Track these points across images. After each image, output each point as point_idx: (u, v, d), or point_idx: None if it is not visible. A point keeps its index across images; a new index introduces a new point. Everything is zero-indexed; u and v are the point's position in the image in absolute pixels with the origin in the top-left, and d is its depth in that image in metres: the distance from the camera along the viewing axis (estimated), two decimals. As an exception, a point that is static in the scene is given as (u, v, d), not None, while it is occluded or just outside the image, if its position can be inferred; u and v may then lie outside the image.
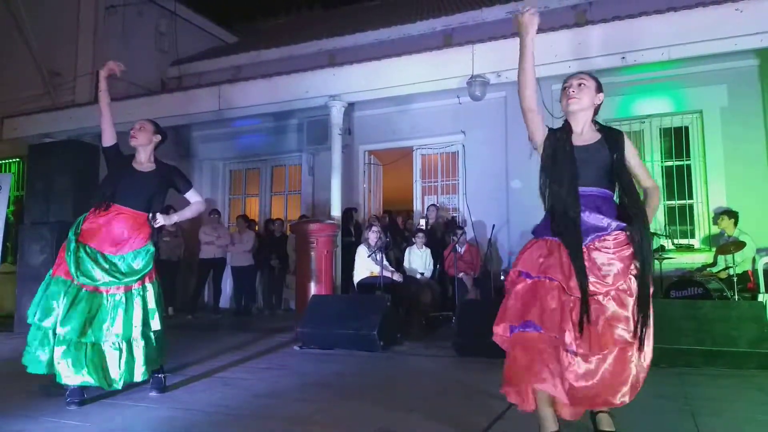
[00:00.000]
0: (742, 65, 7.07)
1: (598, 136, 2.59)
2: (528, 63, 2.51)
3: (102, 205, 3.57)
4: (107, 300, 3.44)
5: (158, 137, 3.82)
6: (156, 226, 3.67)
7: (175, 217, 3.90)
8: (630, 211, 2.46)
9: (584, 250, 2.41)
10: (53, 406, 3.28)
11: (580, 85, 2.59)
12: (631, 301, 2.42)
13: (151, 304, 3.60)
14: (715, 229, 7.26)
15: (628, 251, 2.42)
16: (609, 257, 2.41)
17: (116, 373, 3.37)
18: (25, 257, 7.09)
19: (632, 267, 2.42)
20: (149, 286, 3.63)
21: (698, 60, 6.43)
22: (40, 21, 10.22)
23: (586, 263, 2.38)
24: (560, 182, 2.49)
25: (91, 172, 7.34)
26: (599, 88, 2.63)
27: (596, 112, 2.66)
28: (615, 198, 2.56)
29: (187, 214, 3.94)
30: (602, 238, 2.43)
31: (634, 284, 2.43)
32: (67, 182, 7.16)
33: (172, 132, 9.47)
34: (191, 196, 3.92)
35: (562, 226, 2.44)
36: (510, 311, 2.40)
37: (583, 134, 2.60)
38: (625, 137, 2.59)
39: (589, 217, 2.45)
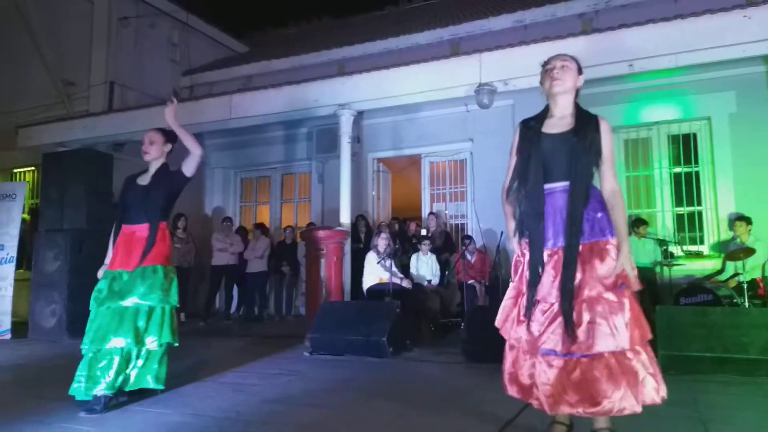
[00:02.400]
0: (750, 72, 7.05)
1: (571, 124, 2.50)
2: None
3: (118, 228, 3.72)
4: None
5: (169, 146, 3.85)
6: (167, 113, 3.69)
7: (180, 131, 3.75)
8: (570, 189, 2.41)
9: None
10: (66, 412, 3.31)
11: (563, 66, 2.54)
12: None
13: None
14: (724, 236, 7.24)
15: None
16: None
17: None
18: (39, 264, 7.18)
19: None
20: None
21: (706, 67, 6.43)
22: (54, 32, 10.38)
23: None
24: (526, 177, 2.49)
25: (105, 180, 7.44)
26: (580, 70, 2.59)
27: (577, 94, 2.60)
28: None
29: (187, 139, 3.77)
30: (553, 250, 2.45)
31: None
32: (80, 190, 7.25)
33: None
34: (187, 161, 3.81)
35: (528, 224, 2.47)
36: None
37: (563, 119, 2.54)
38: (603, 125, 2.47)
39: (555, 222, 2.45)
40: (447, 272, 7.71)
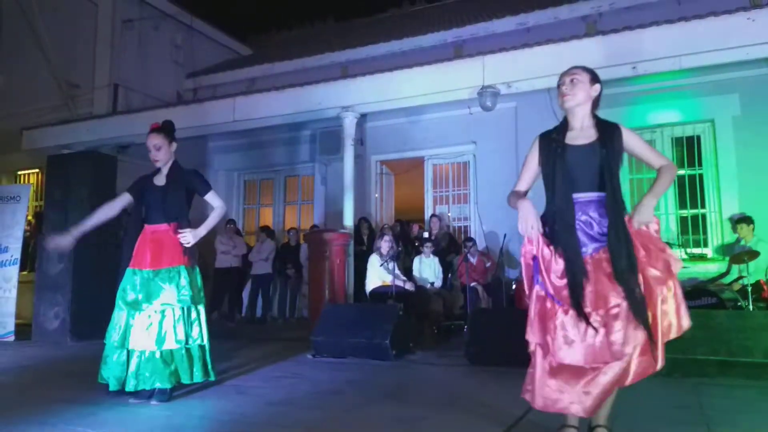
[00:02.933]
0: (754, 74, 7.04)
1: (595, 134, 2.54)
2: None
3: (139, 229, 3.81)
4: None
5: (174, 145, 3.90)
6: (187, 245, 3.73)
7: (203, 230, 3.82)
8: (608, 209, 2.45)
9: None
10: (70, 413, 3.32)
11: (572, 81, 2.56)
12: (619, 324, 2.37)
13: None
14: (728, 238, 7.21)
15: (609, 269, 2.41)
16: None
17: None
18: (43, 266, 7.20)
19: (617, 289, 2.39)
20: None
21: (710, 69, 6.41)
22: (58, 34, 10.41)
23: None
24: (554, 189, 2.51)
25: (109, 182, 7.46)
26: (594, 80, 2.58)
27: (596, 104, 2.61)
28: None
29: (211, 222, 3.89)
30: (603, 249, 2.45)
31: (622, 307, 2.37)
32: (84, 193, 7.27)
33: (188, 143, 9.62)
34: (211, 198, 3.89)
35: (560, 232, 2.46)
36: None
37: (583, 130, 2.56)
38: (622, 128, 2.55)
39: (591, 222, 2.47)
40: (450, 275, 7.71)
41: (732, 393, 3.80)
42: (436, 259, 7.66)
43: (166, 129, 3.89)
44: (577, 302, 2.37)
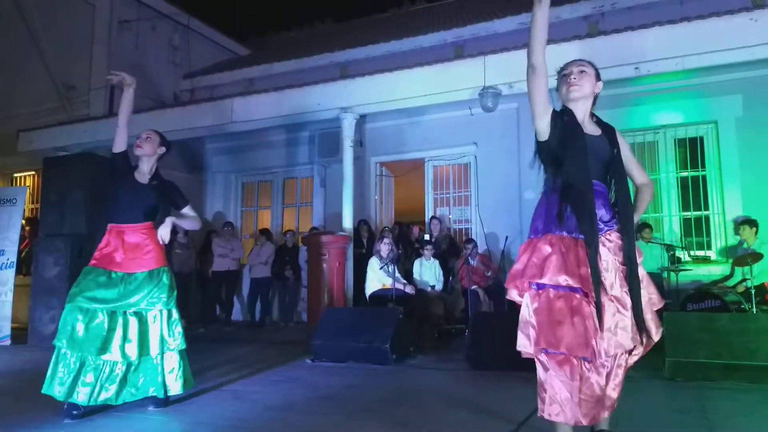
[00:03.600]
0: (757, 75, 6.98)
1: (598, 129, 2.52)
2: (541, 17, 2.32)
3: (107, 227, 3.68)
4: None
5: (163, 149, 3.84)
6: (163, 242, 3.66)
7: (170, 221, 3.69)
8: (620, 212, 2.43)
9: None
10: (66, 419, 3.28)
11: (581, 72, 2.49)
12: (627, 313, 2.32)
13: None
14: (732, 240, 7.16)
15: (621, 255, 2.38)
16: (609, 257, 2.36)
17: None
18: (39, 269, 7.14)
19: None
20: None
21: (713, 70, 6.36)
22: (55, 35, 10.37)
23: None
24: (575, 171, 2.35)
25: (105, 184, 7.39)
26: (598, 76, 2.55)
27: (595, 101, 2.56)
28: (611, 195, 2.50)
29: (185, 224, 3.92)
30: (607, 232, 2.41)
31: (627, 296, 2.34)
32: (81, 195, 7.23)
33: (185, 145, 9.58)
34: (188, 211, 3.90)
35: (581, 218, 2.31)
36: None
37: (584, 125, 2.49)
38: (619, 136, 2.54)
39: (599, 211, 2.40)
40: (451, 278, 7.65)
41: (735, 396, 3.78)
42: (437, 262, 7.60)
43: (165, 138, 3.93)
44: (597, 293, 2.25)
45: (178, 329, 3.63)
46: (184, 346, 3.64)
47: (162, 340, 3.54)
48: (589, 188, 2.34)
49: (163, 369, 3.54)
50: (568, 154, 2.37)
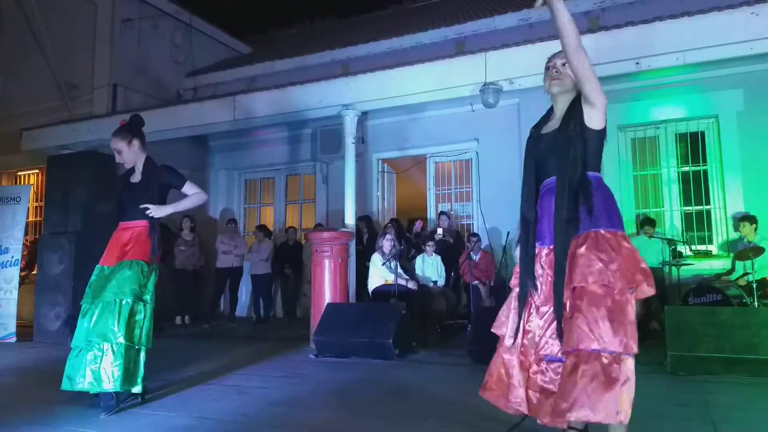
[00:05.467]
0: (758, 69, 6.98)
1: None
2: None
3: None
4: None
5: (136, 142, 3.72)
6: (152, 215, 3.61)
7: (170, 209, 3.68)
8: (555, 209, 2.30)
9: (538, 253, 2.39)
10: (72, 415, 3.31)
11: (564, 64, 2.38)
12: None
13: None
14: (733, 235, 7.17)
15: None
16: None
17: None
18: (43, 267, 7.18)
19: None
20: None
21: (713, 64, 6.36)
22: (57, 34, 10.39)
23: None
24: (524, 180, 2.49)
25: (109, 182, 7.43)
26: None
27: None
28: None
29: (184, 204, 3.79)
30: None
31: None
32: (85, 193, 7.25)
33: (188, 142, 9.60)
34: (188, 189, 3.79)
35: (520, 229, 2.47)
36: None
37: (557, 120, 2.43)
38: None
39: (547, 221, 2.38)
40: (453, 273, 7.67)
41: (737, 390, 3.79)
42: (439, 258, 7.62)
43: (127, 129, 3.74)
44: (522, 299, 2.38)
45: (135, 326, 3.46)
46: (137, 345, 3.46)
47: (112, 331, 3.37)
48: (527, 196, 2.47)
49: (100, 360, 3.34)
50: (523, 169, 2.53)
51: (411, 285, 6.88)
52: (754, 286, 5.88)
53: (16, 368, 5.20)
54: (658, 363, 4.52)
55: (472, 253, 7.44)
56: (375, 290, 6.89)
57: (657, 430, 2.81)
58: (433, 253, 7.59)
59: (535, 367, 2.36)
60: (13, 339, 7.09)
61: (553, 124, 2.43)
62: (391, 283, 6.64)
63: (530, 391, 2.37)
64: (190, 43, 11.45)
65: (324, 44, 11.05)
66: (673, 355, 4.31)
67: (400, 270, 6.83)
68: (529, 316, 2.39)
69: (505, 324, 2.47)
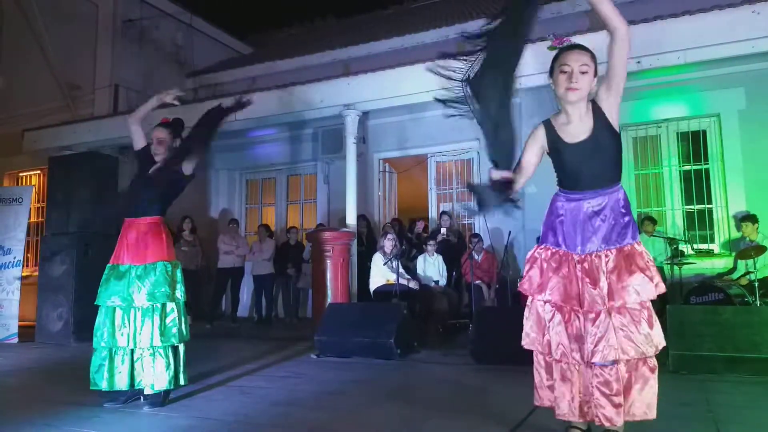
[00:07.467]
0: (759, 67, 6.96)
1: (591, 123, 2.42)
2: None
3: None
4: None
5: (177, 141, 3.82)
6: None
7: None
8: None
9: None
10: (74, 415, 3.32)
11: (583, 73, 2.39)
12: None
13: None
14: (735, 234, 7.16)
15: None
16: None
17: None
18: (45, 268, 7.18)
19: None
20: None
21: (715, 63, 6.35)
22: (59, 35, 10.40)
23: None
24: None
25: (111, 183, 7.45)
26: (596, 69, 2.45)
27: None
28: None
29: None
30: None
31: None
32: (86, 193, 7.26)
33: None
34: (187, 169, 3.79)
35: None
36: None
37: (582, 122, 2.44)
38: (597, 104, 2.45)
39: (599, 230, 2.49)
40: (453, 272, 7.66)
41: (740, 389, 3.78)
42: (440, 258, 7.61)
43: (173, 126, 3.87)
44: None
45: (173, 326, 3.56)
46: (176, 342, 3.56)
47: (152, 335, 3.48)
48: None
49: (153, 364, 3.48)
50: (559, 171, 2.65)
51: (412, 285, 6.88)
52: (756, 285, 5.87)
53: (18, 369, 5.20)
54: (660, 362, 4.50)
55: (474, 253, 7.43)
56: (376, 290, 6.90)
57: (658, 429, 2.80)
58: (435, 253, 7.59)
59: (588, 372, 2.44)
60: (15, 340, 7.10)
61: (578, 132, 2.44)
62: (392, 282, 6.64)
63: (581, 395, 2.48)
64: (191, 44, 11.47)
65: (325, 44, 11.05)
66: (675, 355, 4.30)
67: (401, 269, 6.83)
68: (572, 324, 2.47)
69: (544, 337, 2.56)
